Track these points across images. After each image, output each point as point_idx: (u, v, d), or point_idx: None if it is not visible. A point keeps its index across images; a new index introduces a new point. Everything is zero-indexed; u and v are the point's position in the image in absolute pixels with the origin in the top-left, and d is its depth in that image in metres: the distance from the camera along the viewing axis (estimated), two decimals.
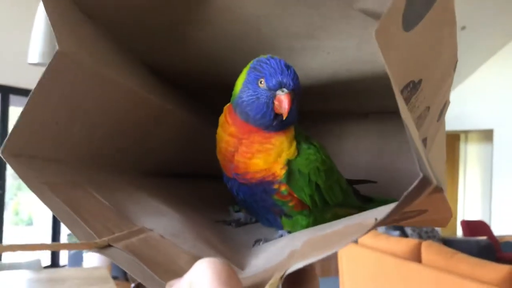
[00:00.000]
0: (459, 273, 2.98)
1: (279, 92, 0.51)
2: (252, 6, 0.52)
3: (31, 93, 0.39)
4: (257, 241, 0.52)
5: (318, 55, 0.60)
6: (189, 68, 0.65)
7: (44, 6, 0.40)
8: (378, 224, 0.29)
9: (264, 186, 0.54)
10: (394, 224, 0.39)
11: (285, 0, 0.51)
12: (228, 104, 0.57)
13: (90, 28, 0.50)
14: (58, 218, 0.35)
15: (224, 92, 0.57)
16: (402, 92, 0.33)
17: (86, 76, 0.44)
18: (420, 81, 0.36)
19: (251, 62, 0.54)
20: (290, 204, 0.55)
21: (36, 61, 2.59)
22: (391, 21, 0.30)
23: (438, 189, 0.26)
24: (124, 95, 0.51)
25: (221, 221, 0.59)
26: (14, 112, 4.82)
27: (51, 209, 0.35)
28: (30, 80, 4.84)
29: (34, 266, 3.03)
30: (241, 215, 0.61)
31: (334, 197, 0.57)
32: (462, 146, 9.73)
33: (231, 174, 0.55)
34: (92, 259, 4.47)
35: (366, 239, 3.94)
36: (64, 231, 5.04)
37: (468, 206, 9.47)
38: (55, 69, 0.39)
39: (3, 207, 4.72)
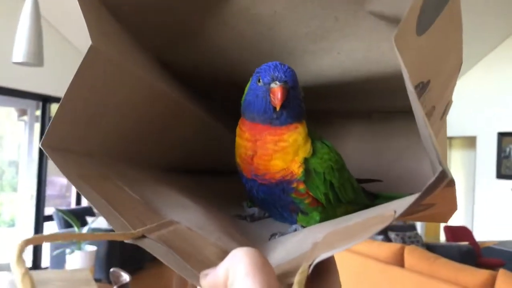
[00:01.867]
0: (441, 278, 3.02)
1: (272, 85, 0.53)
2: (267, 7, 0.54)
3: (67, 88, 0.40)
4: (273, 235, 0.53)
5: (329, 56, 0.61)
6: (203, 68, 0.66)
7: (79, 3, 0.42)
8: (398, 216, 0.30)
9: (284, 185, 0.56)
10: (407, 218, 0.40)
11: (298, 1, 0.53)
12: (240, 118, 0.59)
13: (115, 26, 0.52)
14: (97, 210, 0.37)
15: (237, 93, 0.59)
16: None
17: (115, 71, 0.46)
18: (428, 82, 0.37)
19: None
20: (306, 201, 0.56)
21: (20, 60, 2.57)
22: (408, 27, 0.31)
23: (452, 183, 0.27)
24: (148, 90, 0.53)
25: (237, 215, 0.61)
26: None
27: (90, 201, 0.37)
28: (13, 79, 4.78)
29: None
30: (255, 210, 0.62)
31: (347, 195, 0.59)
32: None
33: (251, 175, 0.57)
34: (74, 261, 4.41)
35: None
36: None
37: None
38: (88, 64, 0.41)
39: None
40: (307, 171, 0.55)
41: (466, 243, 5.47)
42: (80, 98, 0.43)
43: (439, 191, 0.27)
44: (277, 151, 0.54)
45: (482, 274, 2.81)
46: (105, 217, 0.36)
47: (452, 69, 0.46)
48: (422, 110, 0.30)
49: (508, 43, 6.96)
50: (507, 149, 7.05)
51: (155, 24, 0.57)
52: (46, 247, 5.00)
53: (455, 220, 9.04)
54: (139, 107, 0.54)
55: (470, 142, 8.58)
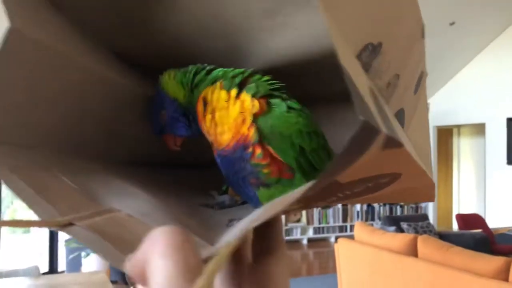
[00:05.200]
0: (455, 266, 3.01)
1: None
2: None
3: None
4: (231, 220, 0.51)
5: (287, 32, 0.58)
6: (158, 54, 0.63)
7: None
8: (328, 178, 0.25)
9: (241, 153, 0.53)
10: (372, 198, 0.38)
11: None
12: None
13: (49, 11, 0.48)
14: (20, 199, 0.34)
15: None
16: (360, 54, 0.33)
17: (45, 57, 0.43)
18: (380, 43, 0.35)
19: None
20: (265, 170, 0.53)
21: None
22: None
23: (394, 142, 0.24)
24: (91, 79, 0.50)
25: (204, 204, 0.59)
26: None
27: (15, 192, 0.34)
28: None
29: (32, 272, 3.02)
30: (225, 198, 0.60)
31: (321, 162, 0.55)
32: (455, 140, 9.80)
33: (215, 152, 0.56)
34: (90, 264, 4.46)
35: (363, 235, 3.97)
36: (62, 238, 5.03)
37: (462, 200, 9.54)
38: (7, 48, 0.38)
39: (0, 215, 4.70)
40: (266, 133, 0.52)
41: (479, 230, 5.45)
42: (4, 86, 0.40)
43: (377, 153, 0.24)
44: (219, 117, 0.53)
45: (497, 261, 2.81)
46: (30, 207, 0.33)
47: (411, 33, 0.43)
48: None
49: None
50: None
51: (101, 11, 0.54)
52: (62, 252, 5.05)
53: (467, 208, 9.01)
54: (82, 97, 0.51)
55: (479, 129, 8.52)
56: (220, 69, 0.56)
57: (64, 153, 0.50)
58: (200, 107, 0.55)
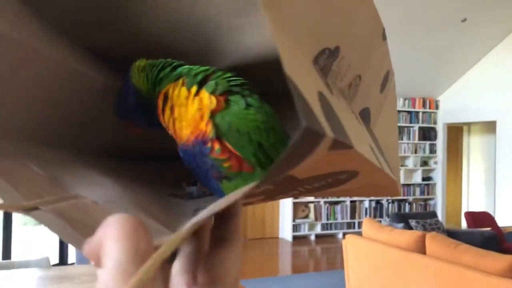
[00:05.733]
0: (463, 264, 3.01)
1: None
2: None
3: None
4: (196, 210, 0.52)
5: (257, 31, 0.59)
6: (131, 49, 0.63)
7: None
8: (268, 178, 0.25)
9: (200, 147, 0.53)
10: (332, 191, 0.38)
11: None
12: None
13: (21, 10, 0.49)
14: None
15: None
16: (317, 59, 0.33)
17: (17, 54, 0.44)
18: (337, 48, 0.36)
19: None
20: (225, 164, 0.53)
21: None
22: None
23: (343, 145, 0.25)
24: (62, 73, 0.51)
25: (172, 194, 0.60)
26: None
27: None
28: None
29: (43, 264, 3.06)
30: (193, 189, 0.61)
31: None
32: (465, 138, 9.73)
33: (179, 146, 0.57)
34: None
35: (371, 232, 3.97)
36: None
37: (472, 198, 9.48)
38: None
39: None
40: (223, 129, 0.52)
41: (488, 228, 5.42)
42: None
43: (324, 154, 0.25)
44: (178, 114, 0.54)
45: (505, 259, 2.80)
46: None
47: (369, 34, 0.43)
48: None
49: None
50: None
51: (70, 6, 0.54)
52: None
53: (477, 206, 8.96)
54: (51, 89, 0.52)
55: (489, 126, 8.46)
56: (186, 66, 0.56)
57: (33, 143, 0.51)
58: (160, 102, 0.56)
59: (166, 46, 0.61)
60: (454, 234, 4.67)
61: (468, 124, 9.36)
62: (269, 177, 0.25)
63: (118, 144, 0.68)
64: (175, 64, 0.57)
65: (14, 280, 2.44)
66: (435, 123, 8.59)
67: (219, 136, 0.52)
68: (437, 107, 8.48)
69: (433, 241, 3.33)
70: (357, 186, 0.36)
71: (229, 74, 0.56)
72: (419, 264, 3.33)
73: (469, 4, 5.99)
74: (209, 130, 0.52)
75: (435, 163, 8.69)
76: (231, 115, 0.53)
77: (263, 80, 0.58)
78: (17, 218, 5.33)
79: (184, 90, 0.54)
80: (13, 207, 0.33)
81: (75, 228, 0.32)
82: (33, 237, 5.45)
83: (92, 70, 0.57)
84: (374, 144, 0.41)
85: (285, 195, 0.37)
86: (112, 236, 0.25)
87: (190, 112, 0.53)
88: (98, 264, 0.25)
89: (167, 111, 0.55)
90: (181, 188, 0.62)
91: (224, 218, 0.35)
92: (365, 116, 0.43)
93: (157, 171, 0.71)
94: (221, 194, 0.56)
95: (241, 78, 0.56)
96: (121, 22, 0.58)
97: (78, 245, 0.29)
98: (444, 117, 8.32)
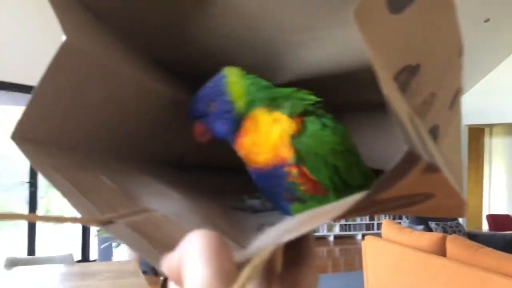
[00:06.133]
0: (484, 267, 2.97)
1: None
2: (252, 0, 0.52)
3: (39, 80, 0.39)
4: (261, 225, 0.52)
5: (319, 46, 0.58)
6: (198, 65, 0.64)
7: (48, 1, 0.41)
8: (366, 197, 0.26)
9: (278, 171, 0.53)
10: (404, 211, 0.38)
11: None
12: None
13: (94, 24, 0.51)
14: (64, 196, 0.35)
15: None
16: (398, 76, 0.33)
17: (93, 67, 0.45)
18: (418, 65, 0.35)
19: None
20: (302, 188, 0.53)
21: None
22: (373, 2, 0.28)
23: (433, 168, 0.24)
24: (132, 86, 0.52)
25: (237, 207, 0.59)
26: None
27: (58, 189, 0.35)
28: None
29: (67, 260, 3.13)
30: (256, 203, 0.60)
31: (354, 179, 0.55)
32: (486, 139, 9.57)
33: (250, 167, 0.56)
34: (121, 254, 4.58)
35: (390, 234, 3.94)
36: (94, 228, 5.17)
37: (493, 200, 9.32)
38: (61, 58, 0.40)
39: (36, 205, 4.86)
40: (302, 154, 0.52)
41: (510, 232, 5.34)
42: (53, 91, 0.42)
43: (419, 178, 0.25)
44: (255, 144, 0.53)
45: None
46: (72, 204, 0.34)
47: (450, 52, 0.43)
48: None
49: None
50: None
51: (139, 22, 0.55)
52: (94, 241, 5.19)
53: (498, 209, 8.81)
54: (123, 102, 0.52)
55: (511, 128, 8.31)
56: (277, 89, 0.56)
57: (102, 154, 0.52)
58: (248, 123, 0.54)
59: (228, 62, 0.60)
60: (475, 237, 4.61)
61: (490, 126, 9.21)
62: (364, 200, 0.25)
63: (181, 154, 0.69)
64: (265, 83, 0.56)
65: (39, 275, 2.50)
66: None
67: (298, 161, 0.52)
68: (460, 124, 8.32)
69: (453, 243, 3.30)
70: (427, 207, 0.36)
71: (304, 92, 0.56)
72: (439, 266, 3.30)
73: (492, 4, 5.90)
74: (290, 156, 0.52)
75: None
76: (308, 136, 0.53)
77: (324, 94, 0.57)
78: (42, 213, 5.41)
79: (269, 116, 0.54)
80: (90, 221, 0.33)
81: (151, 243, 0.32)
82: (56, 233, 5.55)
83: (159, 83, 0.58)
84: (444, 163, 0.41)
85: (356, 214, 0.36)
86: (195, 255, 0.24)
87: (270, 138, 0.53)
88: (178, 280, 0.25)
89: (251, 136, 0.54)
90: (240, 200, 0.62)
91: (297, 239, 0.34)
92: (434, 133, 0.43)
93: (216, 181, 0.72)
94: (289, 215, 0.55)
95: (314, 96, 0.56)
96: (186, 36, 0.58)
97: (155, 261, 0.29)
98: (465, 118, 8.18)
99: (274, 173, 0.53)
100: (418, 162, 0.23)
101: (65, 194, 0.35)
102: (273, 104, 0.54)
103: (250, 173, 0.57)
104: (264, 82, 0.56)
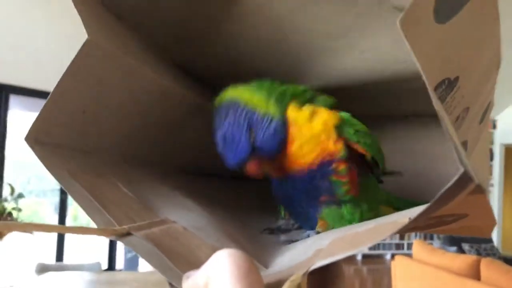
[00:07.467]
0: None
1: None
2: (283, 5, 0.51)
3: (58, 80, 0.38)
4: (284, 242, 0.51)
5: (351, 54, 0.58)
6: (220, 70, 0.63)
7: (72, 1, 0.40)
8: (412, 223, 0.27)
9: (323, 169, 0.51)
10: (431, 230, 0.38)
11: None
12: None
13: (116, 24, 0.50)
14: (78, 204, 0.34)
15: None
16: (436, 89, 0.32)
17: (114, 67, 0.44)
18: (456, 78, 0.34)
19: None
20: (345, 188, 0.52)
21: None
22: (420, 11, 0.28)
23: (480, 189, 0.24)
24: (153, 88, 0.51)
25: (267, 229, 0.58)
26: None
27: (72, 195, 0.34)
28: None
29: (95, 268, 3.16)
30: (282, 223, 0.60)
31: (383, 165, 0.58)
32: None
33: (281, 174, 0.54)
34: (147, 264, 4.60)
35: (422, 254, 3.83)
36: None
37: None
38: (83, 57, 0.39)
39: (66, 211, 4.95)
40: (349, 137, 0.52)
41: None
42: (73, 92, 0.41)
43: (464, 198, 0.25)
44: (302, 145, 0.51)
45: None
46: (87, 213, 0.33)
47: (488, 66, 0.42)
48: (439, 101, 0.27)
49: None
50: None
51: (165, 26, 0.54)
52: (120, 250, 5.24)
53: None
54: (144, 105, 0.52)
55: None
56: (289, 85, 0.54)
57: (119, 159, 0.50)
58: (291, 127, 0.52)
59: (255, 67, 0.61)
60: (511, 261, 4.44)
61: None
62: (418, 219, 0.26)
63: (202, 162, 0.68)
64: (274, 83, 0.54)
65: (68, 282, 2.53)
66: (492, 143, 8.24)
67: (349, 141, 0.52)
68: (494, 127, 8.15)
69: (489, 267, 3.18)
70: (457, 226, 0.36)
71: (323, 95, 0.55)
72: None
73: None
74: (339, 149, 0.51)
75: (491, 185, 8.32)
76: (349, 125, 0.53)
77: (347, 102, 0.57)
78: (68, 223, 5.52)
79: (303, 111, 0.52)
80: (106, 232, 0.32)
81: (170, 258, 0.31)
82: (84, 240, 5.63)
83: (181, 87, 0.57)
84: None
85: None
86: (225, 275, 0.23)
87: (315, 131, 0.51)
88: None
89: (298, 138, 0.52)
90: (270, 219, 0.61)
91: (325, 283, 0.33)
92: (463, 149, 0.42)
93: (239, 191, 0.71)
94: (314, 223, 0.54)
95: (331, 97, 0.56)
96: (211, 42, 0.58)
97: (173, 278, 0.28)
98: (502, 137, 7.97)
99: (316, 174, 0.52)
100: (470, 183, 0.24)
101: (79, 201, 0.34)
102: (298, 100, 0.53)
103: (272, 182, 0.56)
104: (266, 82, 0.54)
